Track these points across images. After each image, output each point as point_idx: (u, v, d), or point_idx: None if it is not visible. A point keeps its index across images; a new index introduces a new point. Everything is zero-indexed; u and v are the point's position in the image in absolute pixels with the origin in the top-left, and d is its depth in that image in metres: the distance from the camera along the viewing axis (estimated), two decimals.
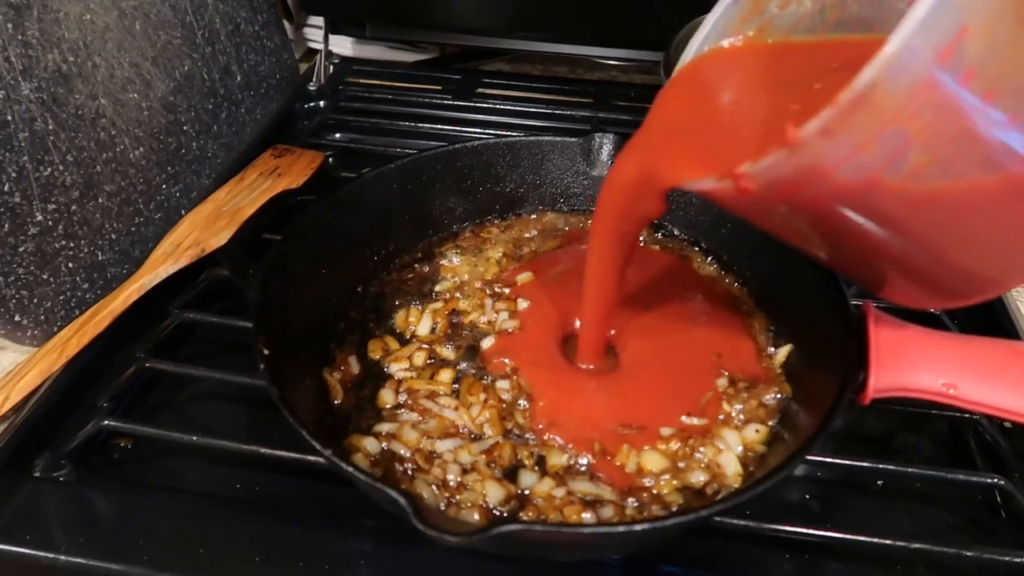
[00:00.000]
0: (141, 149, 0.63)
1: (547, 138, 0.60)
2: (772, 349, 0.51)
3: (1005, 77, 0.28)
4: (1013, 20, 0.28)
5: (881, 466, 0.46)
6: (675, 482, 0.43)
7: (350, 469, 0.34)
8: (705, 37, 0.42)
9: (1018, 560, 0.41)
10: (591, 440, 0.44)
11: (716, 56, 0.42)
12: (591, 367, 0.50)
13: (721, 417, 0.46)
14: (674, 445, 0.44)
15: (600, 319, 0.49)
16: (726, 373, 0.48)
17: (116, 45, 0.61)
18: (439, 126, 0.80)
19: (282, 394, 0.38)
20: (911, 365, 0.40)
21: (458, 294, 0.55)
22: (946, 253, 0.34)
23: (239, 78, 0.78)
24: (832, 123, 0.27)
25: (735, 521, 0.43)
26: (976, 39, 0.27)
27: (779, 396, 0.47)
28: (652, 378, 0.48)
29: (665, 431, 0.45)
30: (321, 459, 0.43)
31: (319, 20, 0.91)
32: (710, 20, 0.42)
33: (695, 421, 0.46)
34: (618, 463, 0.43)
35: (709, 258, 0.58)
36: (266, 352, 0.40)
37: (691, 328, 0.51)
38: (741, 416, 0.45)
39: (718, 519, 0.42)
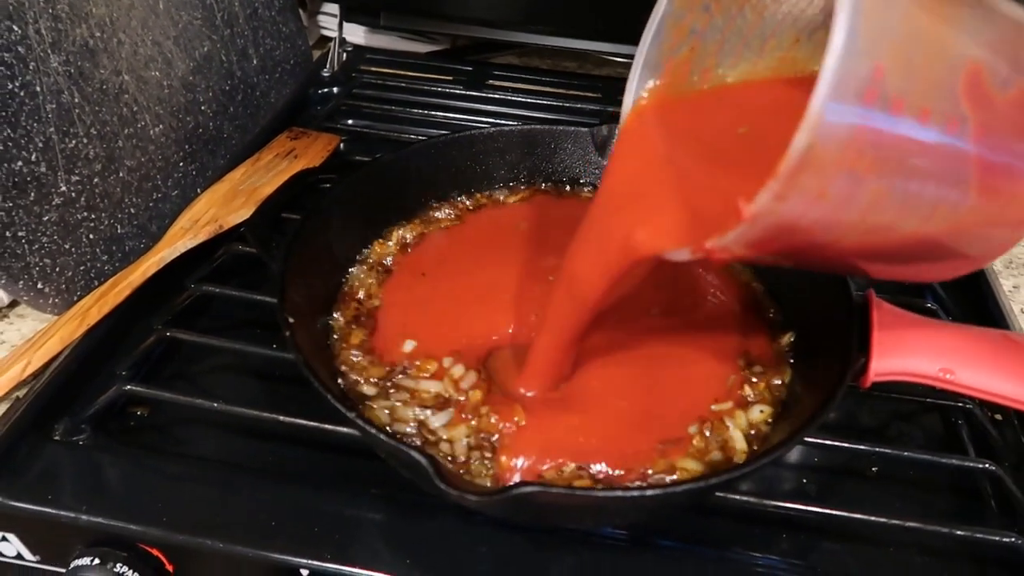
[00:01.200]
0: (161, 126, 0.64)
1: (560, 128, 0.61)
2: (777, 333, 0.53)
3: (934, 93, 0.29)
4: (922, 41, 0.28)
5: (877, 449, 0.48)
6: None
7: (374, 431, 0.36)
8: (640, 75, 0.42)
9: (1006, 540, 0.43)
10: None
11: (652, 106, 0.42)
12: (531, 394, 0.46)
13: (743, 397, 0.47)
14: (699, 442, 0.44)
15: (569, 344, 0.45)
16: (745, 355, 0.49)
17: (140, 23, 0.62)
18: (450, 115, 0.81)
19: (307, 361, 0.39)
20: (910, 351, 0.42)
21: None
22: (924, 248, 0.35)
23: (255, 61, 0.79)
24: (780, 191, 0.28)
25: (735, 497, 0.45)
26: (893, 71, 0.27)
27: (784, 379, 0.48)
28: (676, 372, 0.48)
29: (692, 428, 0.45)
30: (339, 427, 0.46)
31: (333, 8, 0.93)
32: (640, 56, 0.42)
33: (724, 406, 0.46)
34: (650, 471, 0.43)
35: None
36: (291, 320, 0.42)
37: (707, 313, 0.52)
38: (751, 397, 0.47)
39: (720, 494, 0.44)
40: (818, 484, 0.50)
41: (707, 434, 0.44)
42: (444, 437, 0.43)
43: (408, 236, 0.57)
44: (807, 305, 0.51)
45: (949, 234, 0.33)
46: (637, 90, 0.42)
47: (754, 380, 0.47)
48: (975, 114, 0.29)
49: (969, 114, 0.29)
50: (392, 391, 0.46)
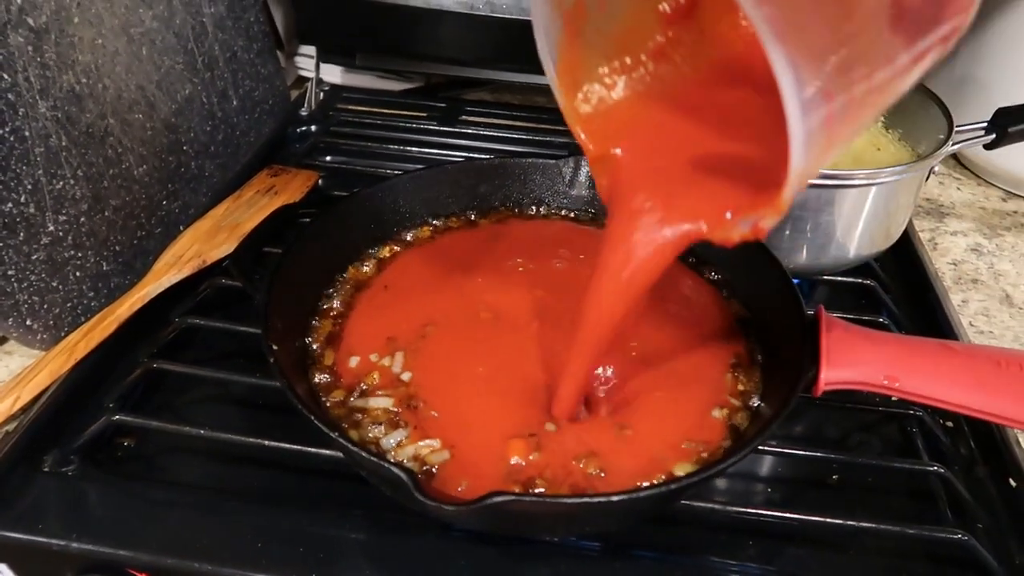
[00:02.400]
0: (145, 167, 0.67)
1: (531, 160, 0.64)
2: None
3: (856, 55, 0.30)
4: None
5: (835, 456, 0.51)
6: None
7: (356, 449, 0.38)
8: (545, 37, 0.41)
9: (955, 537, 0.46)
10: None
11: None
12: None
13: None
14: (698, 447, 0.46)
15: (591, 368, 0.47)
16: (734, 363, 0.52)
17: (124, 68, 0.64)
18: (425, 150, 0.84)
19: (291, 386, 0.41)
20: (857, 361, 0.45)
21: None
22: None
23: (235, 102, 0.82)
24: (795, 190, 0.31)
25: (704, 504, 0.47)
26: (833, 74, 0.29)
27: (757, 388, 0.51)
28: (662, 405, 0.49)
29: (688, 445, 0.46)
30: (322, 450, 0.48)
31: (310, 50, 0.96)
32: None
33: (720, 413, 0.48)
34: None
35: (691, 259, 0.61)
36: (275, 347, 0.44)
37: (689, 339, 0.53)
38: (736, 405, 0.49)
39: (688, 503, 0.46)
40: (783, 492, 0.53)
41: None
42: (397, 458, 0.44)
43: (383, 255, 0.60)
44: (770, 322, 0.54)
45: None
46: (550, 50, 0.41)
47: (738, 391, 0.50)
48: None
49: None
50: (354, 414, 0.48)
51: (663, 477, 0.43)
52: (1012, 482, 0.52)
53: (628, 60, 0.43)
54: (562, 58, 0.41)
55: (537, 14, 0.38)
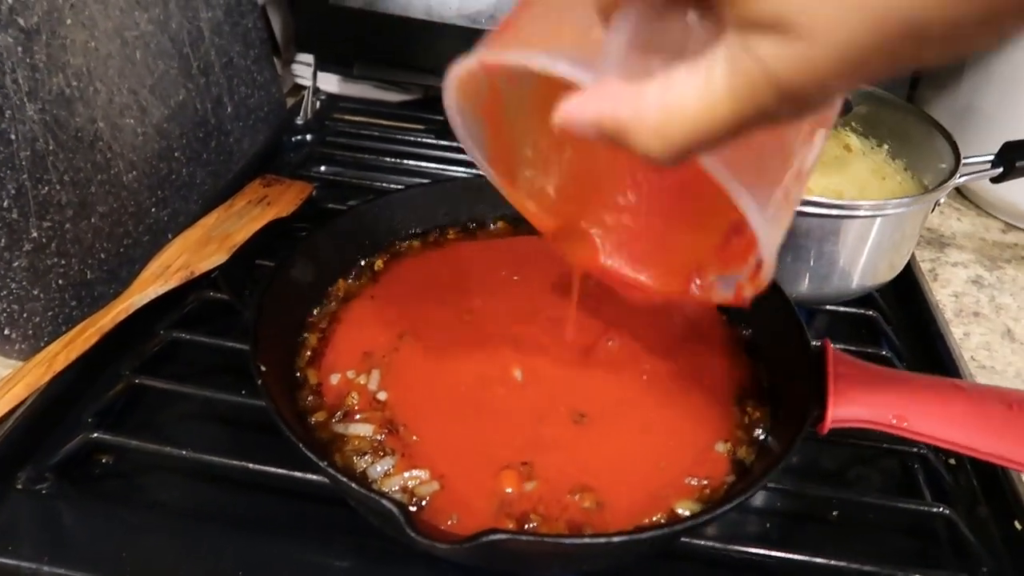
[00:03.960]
0: (134, 173, 0.65)
1: None
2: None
3: None
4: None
5: (837, 496, 0.50)
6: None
7: (345, 480, 0.36)
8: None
9: None
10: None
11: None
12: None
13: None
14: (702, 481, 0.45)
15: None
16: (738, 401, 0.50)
17: (117, 72, 0.63)
18: (421, 163, 0.83)
19: (278, 410, 0.40)
20: (865, 399, 0.44)
21: None
22: None
23: (229, 109, 0.80)
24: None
25: (702, 543, 0.45)
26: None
27: (764, 419, 0.50)
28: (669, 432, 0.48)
29: (691, 481, 0.44)
30: (309, 475, 0.46)
31: (308, 57, 0.94)
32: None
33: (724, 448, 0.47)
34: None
35: None
36: (263, 368, 0.42)
37: (695, 372, 0.52)
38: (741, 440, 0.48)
39: (687, 540, 0.45)
40: (781, 528, 0.51)
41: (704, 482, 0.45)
42: (384, 489, 0.42)
43: (376, 267, 0.58)
44: (776, 350, 0.52)
45: None
46: (476, 145, 0.40)
47: (744, 423, 0.48)
48: None
49: None
50: (338, 437, 0.46)
51: (663, 515, 0.41)
52: (1017, 524, 0.51)
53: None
54: (490, 148, 0.40)
55: (453, 114, 0.37)
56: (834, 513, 0.52)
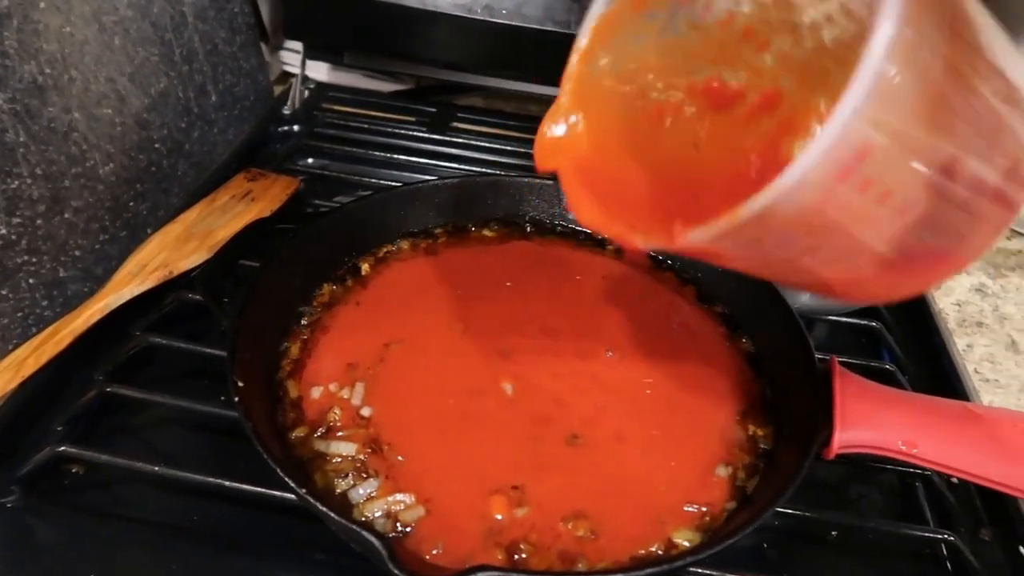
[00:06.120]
0: (111, 165, 0.62)
1: (526, 179, 0.61)
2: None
3: (903, 179, 0.28)
4: (924, 127, 0.27)
5: (837, 521, 0.48)
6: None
7: (324, 510, 0.34)
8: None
9: None
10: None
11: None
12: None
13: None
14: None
15: None
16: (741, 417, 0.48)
17: (94, 59, 0.60)
18: (413, 158, 0.80)
19: (256, 429, 0.37)
20: (873, 423, 0.42)
21: None
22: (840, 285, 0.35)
23: (214, 98, 0.77)
24: (719, 234, 0.28)
25: (697, 570, 0.43)
26: (879, 154, 0.26)
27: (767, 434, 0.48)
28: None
29: (690, 508, 0.43)
30: (287, 494, 0.44)
31: (296, 44, 0.91)
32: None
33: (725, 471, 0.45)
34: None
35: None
36: (240, 384, 0.40)
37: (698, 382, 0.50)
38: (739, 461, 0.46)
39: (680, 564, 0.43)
40: (778, 549, 0.50)
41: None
42: (366, 514, 0.40)
43: (363, 271, 0.56)
44: (780, 364, 0.50)
45: (861, 281, 0.33)
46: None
47: (746, 443, 0.47)
48: (929, 203, 0.29)
49: (923, 202, 0.29)
50: (318, 456, 0.43)
51: (660, 545, 0.39)
52: (1022, 550, 0.49)
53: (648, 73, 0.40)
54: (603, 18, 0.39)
55: None
56: (833, 534, 0.50)
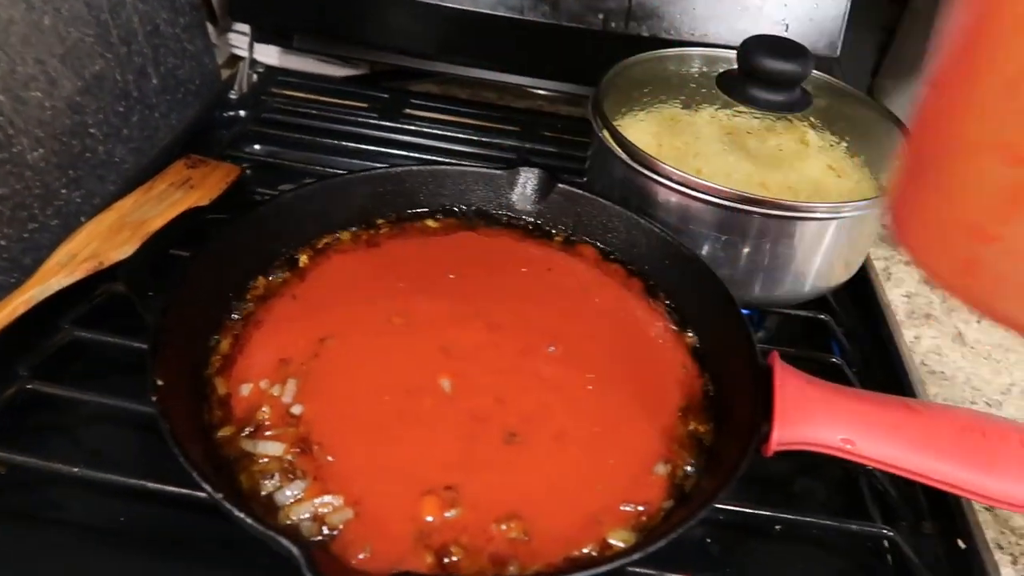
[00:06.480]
0: (41, 151, 0.59)
1: (472, 168, 0.59)
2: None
3: None
4: None
5: (781, 515, 0.47)
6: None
7: (241, 515, 0.33)
8: None
9: None
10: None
11: None
12: None
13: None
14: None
15: None
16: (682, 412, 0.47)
17: (20, 40, 0.57)
18: (363, 145, 0.78)
19: (173, 430, 0.36)
20: (812, 420, 0.41)
21: None
22: None
23: (155, 81, 0.74)
24: None
25: (638, 569, 0.43)
26: None
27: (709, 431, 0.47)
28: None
29: (627, 507, 0.41)
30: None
31: (245, 27, 0.88)
32: None
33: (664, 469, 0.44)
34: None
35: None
36: (160, 383, 0.38)
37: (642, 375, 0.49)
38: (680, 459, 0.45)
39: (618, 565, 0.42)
40: (721, 544, 0.49)
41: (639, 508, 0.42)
42: (292, 517, 0.39)
43: (301, 263, 0.54)
44: (723, 359, 0.50)
45: None
46: None
47: (686, 439, 0.46)
48: None
49: None
50: (245, 456, 0.42)
51: (595, 546, 0.39)
52: (961, 544, 0.49)
53: None
54: None
55: None
56: (777, 527, 0.50)
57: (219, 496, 0.33)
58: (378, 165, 0.66)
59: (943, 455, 0.40)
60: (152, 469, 0.44)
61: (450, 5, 0.76)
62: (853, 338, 0.65)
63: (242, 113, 0.82)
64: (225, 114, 0.81)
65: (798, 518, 0.47)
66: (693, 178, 0.54)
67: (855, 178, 0.63)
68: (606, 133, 0.58)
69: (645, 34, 0.73)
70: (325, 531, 0.38)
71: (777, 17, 0.72)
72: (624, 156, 0.57)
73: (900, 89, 0.87)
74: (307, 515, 0.38)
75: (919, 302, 0.71)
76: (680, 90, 0.67)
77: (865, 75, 0.90)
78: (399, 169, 0.57)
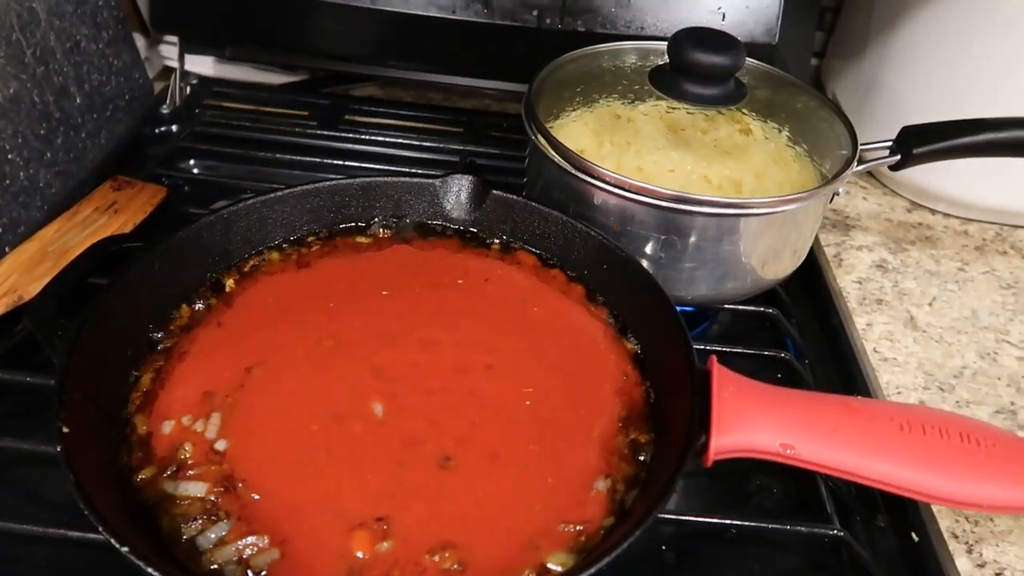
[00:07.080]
0: None
1: (403, 179, 0.57)
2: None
3: None
4: None
5: (731, 522, 0.46)
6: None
7: (150, 571, 0.31)
8: None
9: None
10: None
11: None
12: None
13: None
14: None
15: None
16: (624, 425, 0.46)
17: None
18: (302, 156, 0.76)
19: (79, 481, 0.34)
20: (751, 425, 0.40)
21: None
22: None
23: (79, 100, 0.72)
24: None
25: None
26: None
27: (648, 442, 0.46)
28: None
29: (566, 527, 0.40)
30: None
31: (175, 38, 0.86)
32: None
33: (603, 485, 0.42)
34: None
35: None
36: (66, 431, 0.36)
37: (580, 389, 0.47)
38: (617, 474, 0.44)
39: None
40: (676, 551, 0.49)
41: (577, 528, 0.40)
42: (215, 561, 0.37)
43: (227, 288, 0.52)
44: (663, 367, 0.49)
45: None
46: None
47: (626, 453, 0.45)
48: None
49: None
50: (166, 499, 0.40)
51: (533, 572, 0.37)
52: (915, 536, 0.49)
53: None
54: None
55: None
56: (732, 531, 0.49)
57: (125, 549, 0.31)
58: (318, 176, 0.65)
59: (882, 455, 0.40)
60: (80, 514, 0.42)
61: (380, 8, 0.74)
62: (805, 330, 0.64)
63: (175, 128, 0.79)
64: (157, 130, 0.79)
65: (748, 524, 0.46)
66: (629, 179, 0.53)
67: (797, 168, 0.62)
68: (540, 137, 0.57)
69: (581, 29, 0.72)
70: (250, 575, 0.36)
71: (713, 6, 0.70)
72: (559, 159, 0.55)
73: (848, 69, 0.86)
74: (231, 558, 0.37)
75: (870, 288, 0.70)
76: (617, 85, 0.65)
77: (809, 58, 0.89)
78: (327, 184, 0.55)
